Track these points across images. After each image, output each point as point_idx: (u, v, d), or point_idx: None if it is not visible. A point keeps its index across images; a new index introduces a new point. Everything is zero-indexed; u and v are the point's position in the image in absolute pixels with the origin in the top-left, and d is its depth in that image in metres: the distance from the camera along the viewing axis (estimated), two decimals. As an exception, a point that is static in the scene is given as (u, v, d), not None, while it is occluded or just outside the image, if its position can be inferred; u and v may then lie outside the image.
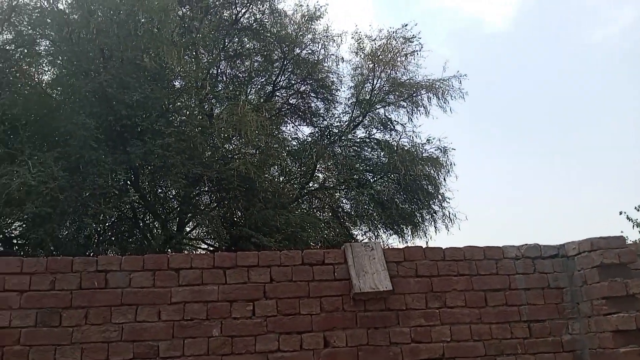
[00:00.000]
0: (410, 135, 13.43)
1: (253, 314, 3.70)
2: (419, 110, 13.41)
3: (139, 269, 3.72)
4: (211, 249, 12.50)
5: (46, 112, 8.07)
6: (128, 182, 8.94)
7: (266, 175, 11.70)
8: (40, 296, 3.59)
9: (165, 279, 3.72)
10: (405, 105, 13.43)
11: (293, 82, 14.34)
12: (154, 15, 8.01)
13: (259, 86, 14.30)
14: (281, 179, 13.41)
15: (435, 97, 13.12)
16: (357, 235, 14.34)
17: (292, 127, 14.71)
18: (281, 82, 14.22)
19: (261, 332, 3.65)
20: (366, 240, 13.42)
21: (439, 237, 14.00)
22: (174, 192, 10.95)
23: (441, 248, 4.08)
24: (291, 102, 14.75)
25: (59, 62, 9.63)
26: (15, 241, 9.93)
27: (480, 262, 4.07)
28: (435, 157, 13.35)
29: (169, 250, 10.14)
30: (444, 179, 13.46)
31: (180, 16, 11.07)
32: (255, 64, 13.79)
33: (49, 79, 10.23)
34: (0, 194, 6.91)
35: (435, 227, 14.05)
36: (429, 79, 13.10)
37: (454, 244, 4.13)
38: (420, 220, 14.10)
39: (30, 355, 3.46)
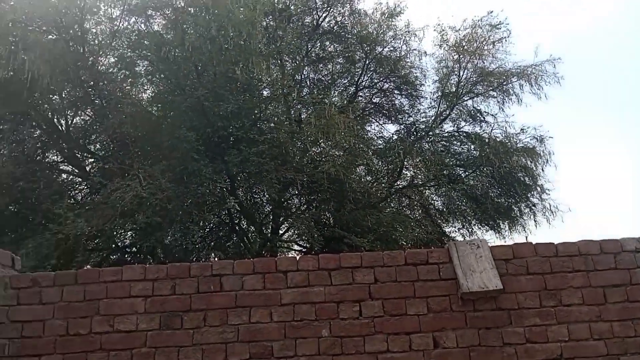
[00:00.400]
0: (502, 126, 12.92)
1: (360, 315, 3.74)
2: (511, 99, 12.87)
3: (250, 272, 3.89)
4: (304, 250, 12.79)
5: (149, 128, 8.70)
6: (225, 189, 9.40)
7: (353, 176, 11.78)
8: (162, 300, 3.86)
9: (274, 281, 3.86)
10: (495, 95, 12.93)
11: (376, 80, 14.33)
12: (242, 29, 8.37)
13: (342, 88, 14.42)
14: (368, 178, 13.42)
15: (527, 84, 12.49)
16: (450, 232, 14.02)
17: (377, 125, 14.70)
18: (364, 82, 14.26)
19: (369, 333, 3.68)
20: (471, 238, 13.05)
21: (539, 231, 13.33)
22: (267, 197, 11.35)
23: (553, 243, 3.88)
24: (375, 101, 14.75)
25: (155, 79, 10.37)
26: (127, 250, 10.80)
27: (596, 256, 3.83)
28: (531, 147, 12.72)
29: (265, 253, 10.54)
30: (542, 170, 12.79)
31: (264, 27, 11.46)
32: (338, 66, 13.94)
33: (148, 96, 11.05)
34: (115, 207, 7.54)
35: (535, 221, 13.42)
36: (519, 66, 12.52)
37: (558, 238, 3.92)
38: (518, 214, 13.51)
39: (156, 356, 3.72)
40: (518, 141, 12.84)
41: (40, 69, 7.99)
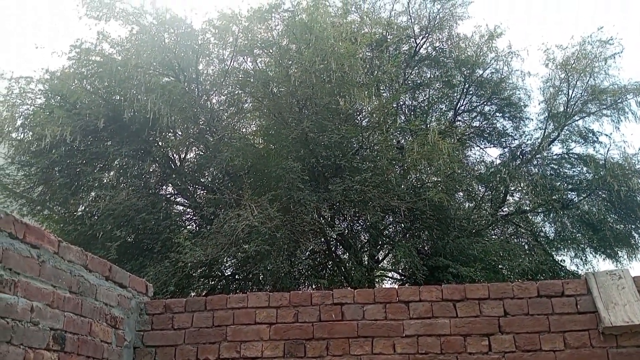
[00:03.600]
0: (619, 146, 12.02)
1: (489, 349, 3.56)
2: (627, 118, 11.99)
3: (371, 301, 3.86)
4: (404, 279, 12.52)
5: (257, 161, 9.10)
6: (329, 217, 9.52)
7: (454, 203, 11.44)
8: (286, 328, 3.93)
9: (396, 312, 3.80)
10: (609, 114, 12.12)
11: (475, 104, 13.99)
12: (344, 61, 8.59)
13: (440, 113, 14.21)
14: (468, 205, 12.98)
15: (645, 101, 11.57)
16: (562, 261, 13.09)
17: (478, 150, 14.26)
18: (463, 106, 13.97)
19: (501, 368, 3.49)
20: (612, 269, 12.17)
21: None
22: (366, 224, 11.33)
23: None
24: (474, 125, 14.35)
25: (261, 114, 10.88)
26: (235, 277, 11.20)
27: None
28: (651, 168, 11.68)
29: (364, 282, 10.43)
30: (666, 192, 11.65)
31: (362, 58, 11.69)
32: (435, 91, 13.80)
33: (253, 130, 11.60)
34: (228, 236, 7.90)
35: (658, 249, 12.27)
36: (636, 82, 11.64)
37: None
38: (638, 241, 12.39)
39: (281, 384, 3.79)
40: (637, 162, 11.88)
41: (161, 109, 8.70)
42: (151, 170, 10.93)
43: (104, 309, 3.57)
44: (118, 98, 10.09)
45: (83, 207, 10.29)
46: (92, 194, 10.20)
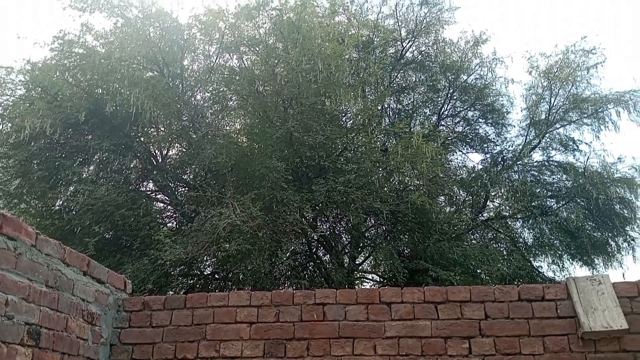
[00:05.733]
0: (598, 155, 12.21)
1: (470, 352, 3.57)
2: (607, 127, 12.18)
3: (353, 302, 3.84)
4: (384, 281, 12.56)
5: (241, 159, 9.03)
6: (312, 218, 9.49)
7: (435, 207, 11.51)
8: (267, 327, 3.89)
9: (378, 313, 3.79)
10: (590, 123, 12.31)
11: (459, 109, 14.10)
12: (331, 62, 8.58)
13: (424, 117, 14.30)
14: (449, 209, 13.07)
15: (625, 111, 11.79)
16: (539, 267, 13.28)
17: (461, 155, 14.38)
18: (447, 111, 14.07)
19: (480, 371, 3.50)
20: (592, 274, 12.33)
21: (638, 268, 12.37)
22: (348, 226, 11.33)
23: (683, 281, 3.54)
24: (457, 130, 14.46)
25: (246, 112, 10.80)
26: (215, 276, 11.10)
27: None
28: (629, 177, 11.93)
29: (344, 283, 10.43)
30: (643, 202, 11.90)
31: (348, 59, 11.70)
32: (420, 95, 13.88)
33: (237, 128, 11.51)
34: (209, 234, 7.82)
35: (634, 257, 12.54)
36: (616, 92, 11.86)
37: None
38: (615, 249, 12.63)
39: (258, 383, 3.75)
40: (615, 171, 12.13)
41: (144, 103, 8.57)
42: (132, 165, 10.78)
43: (80, 304, 3.49)
44: (100, 91, 9.93)
45: (61, 202, 10.13)
46: (71, 188, 10.02)
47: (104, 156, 9.99)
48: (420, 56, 12.96)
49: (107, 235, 9.58)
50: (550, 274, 12.86)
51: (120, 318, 4.06)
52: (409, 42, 12.87)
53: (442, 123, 14.22)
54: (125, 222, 9.18)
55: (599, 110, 12.06)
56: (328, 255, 11.78)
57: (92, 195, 8.93)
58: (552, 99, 12.31)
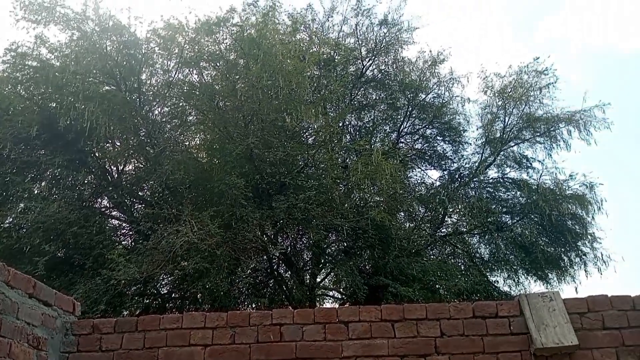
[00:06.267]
0: (551, 172, 12.62)
1: (426, 370, 3.57)
2: (559, 145, 12.64)
3: (310, 322, 3.79)
4: (344, 298, 12.54)
5: (200, 175, 8.89)
6: (272, 235, 9.41)
7: (395, 223, 11.62)
8: (222, 350, 3.79)
9: (335, 332, 3.75)
10: (542, 141, 12.73)
11: (418, 127, 14.37)
12: (292, 79, 8.60)
13: (384, 134, 14.50)
14: (408, 225, 13.23)
15: (576, 130, 12.29)
16: (495, 282, 13.55)
17: (419, 172, 14.62)
18: (406, 129, 14.32)
19: (436, 390, 3.50)
20: (544, 291, 12.62)
21: (590, 282, 12.76)
22: (309, 243, 11.29)
23: (630, 296, 3.66)
24: (416, 147, 14.72)
25: (205, 128, 10.67)
26: (172, 295, 10.81)
27: (679, 310, 3.59)
28: (580, 194, 12.34)
29: (305, 301, 10.36)
30: (593, 218, 12.34)
31: (309, 76, 11.77)
32: (380, 113, 14.08)
33: (197, 144, 11.36)
34: (166, 252, 7.63)
35: (585, 271, 12.89)
36: (567, 112, 12.34)
37: (611, 290, 3.69)
38: (567, 263, 12.99)
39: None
40: (567, 188, 12.51)
41: (99, 118, 8.36)
42: (86, 181, 10.47)
43: (25, 328, 3.32)
44: (54, 105, 9.63)
45: (11, 219, 9.71)
46: (21, 205, 9.65)
47: (56, 172, 9.67)
48: (380, 74, 13.19)
49: (59, 254, 9.22)
50: (506, 288, 13.12)
51: (69, 342, 3.89)
52: (369, 60, 13.09)
53: (402, 140, 14.45)
54: (78, 241, 8.86)
55: (551, 129, 12.49)
56: (289, 272, 11.69)
57: (43, 213, 8.60)
58: (507, 118, 12.69)
